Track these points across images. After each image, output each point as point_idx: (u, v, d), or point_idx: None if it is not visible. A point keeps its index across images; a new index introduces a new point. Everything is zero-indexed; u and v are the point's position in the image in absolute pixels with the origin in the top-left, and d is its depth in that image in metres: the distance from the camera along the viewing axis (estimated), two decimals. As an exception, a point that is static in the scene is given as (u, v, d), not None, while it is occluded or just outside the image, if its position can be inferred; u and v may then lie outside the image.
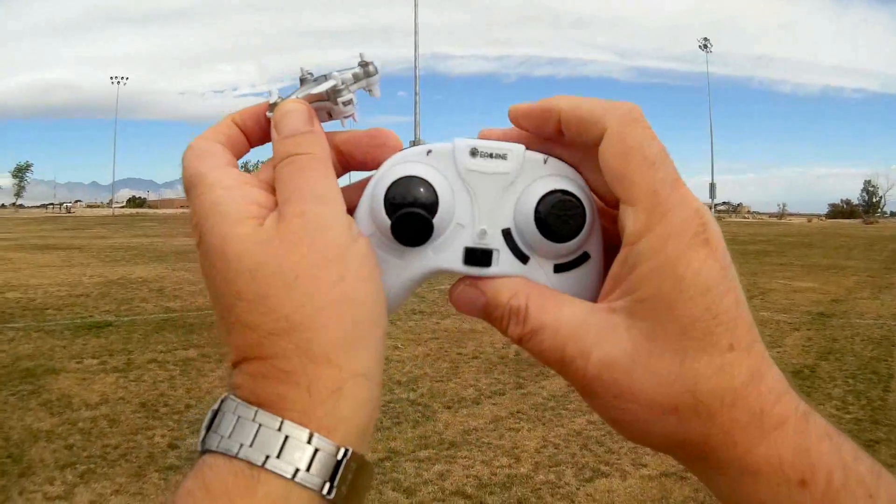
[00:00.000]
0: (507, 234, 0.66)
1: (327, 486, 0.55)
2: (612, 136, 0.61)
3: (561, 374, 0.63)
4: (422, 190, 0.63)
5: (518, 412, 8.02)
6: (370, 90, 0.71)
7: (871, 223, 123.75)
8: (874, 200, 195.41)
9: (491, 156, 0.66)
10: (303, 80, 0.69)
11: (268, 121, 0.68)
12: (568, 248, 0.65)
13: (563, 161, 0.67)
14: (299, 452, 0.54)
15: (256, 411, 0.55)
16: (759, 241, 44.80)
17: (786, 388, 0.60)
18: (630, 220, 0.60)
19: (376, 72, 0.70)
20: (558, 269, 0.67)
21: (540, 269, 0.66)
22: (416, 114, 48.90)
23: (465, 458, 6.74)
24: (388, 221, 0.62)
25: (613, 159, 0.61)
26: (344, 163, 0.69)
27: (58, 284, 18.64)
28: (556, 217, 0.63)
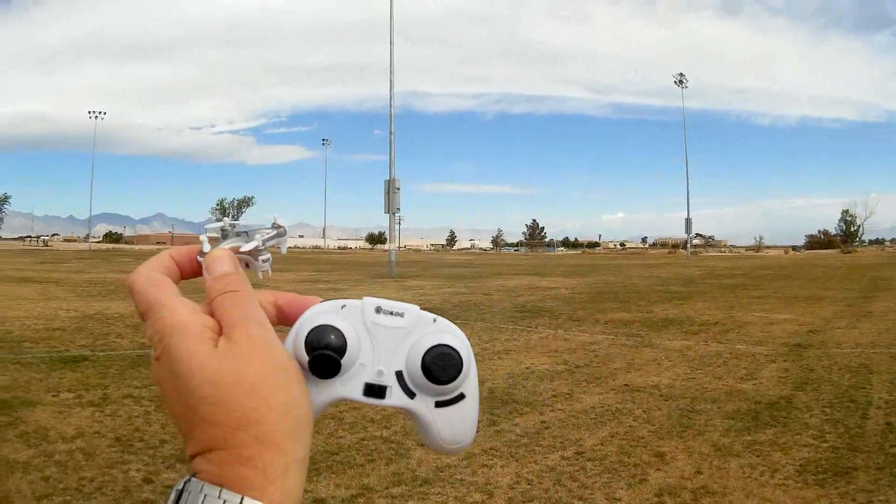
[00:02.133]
0: (399, 374, 0.80)
1: None
2: None
3: None
4: (333, 336, 0.77)
5: (491, 448, 8.02)
6: (278, 247, 0.89)
7: (850, 252, 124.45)
8: (852, 230, 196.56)
9: (392, 313, 0.81)
10: (224, 232, 0.85)
11: (198, 263, 0.81)
12: (447, 390, 0.79)
13: (449, 321, 0.83)
14: None
15: (221, 490, 0.66)
16: (735, 275, 45.31)
17: None
18: None
19: (286, 233, 0.89)
20: (438, 405, 0.81)
21: (423, 404, 0.80)
22: (391, 153, 48.84)
23: (438, 494, 6.75)
24: (307, 358, 0.76)
25: None
26: (280, 316, 0.82)
27: (35, 317, 18.74)
28: (438, 366, 0.78)
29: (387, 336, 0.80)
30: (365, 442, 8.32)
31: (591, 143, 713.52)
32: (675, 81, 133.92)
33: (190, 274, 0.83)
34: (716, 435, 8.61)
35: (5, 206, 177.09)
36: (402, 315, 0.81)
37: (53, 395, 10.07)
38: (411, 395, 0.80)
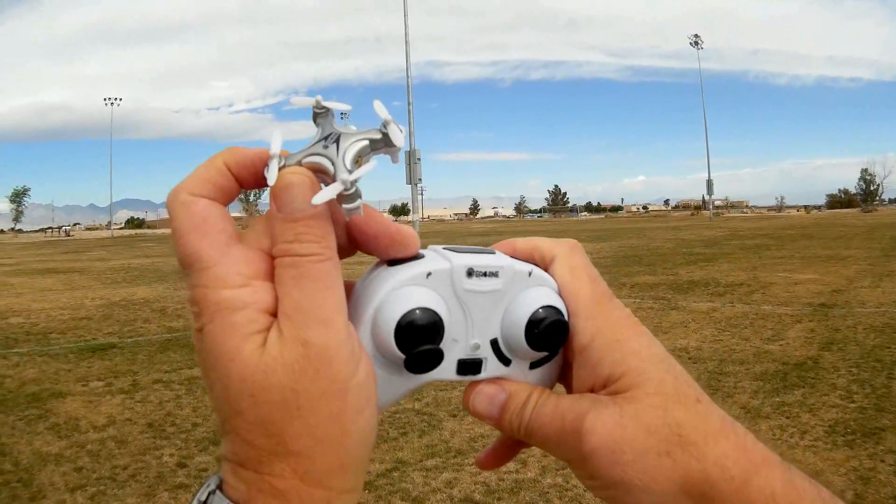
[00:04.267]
0: (494, 343, 0.71)
1: None
2: (562, 259, 0.74)
3: (559, 447, 0.69)
4: (432, 323, 0.64)
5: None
6: (391, 156, 0.66)
7: (870, 211, 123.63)
8: (871, 189, 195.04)
9: (485, 274, 0.69)
10: (316, 118, 0.65)
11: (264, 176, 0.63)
12: (544, 353, 0.72)
13: (543, 270, 0.73)
14: None
15: None
16: (758, 236, 44.82)
17: (755, 438, 0.67)
18: (579, 330, 0.71)
19: (399, 146, 0.64)
20: (533, 365, 0.74)
21: (519, 369, 0.73)
22: (409, 124, 48.51)
23: (472, 465, 6.73)
24: (400, 356, 0.63)
25: (564, 276, 0.73)
26: (353, 241, 0.68)
27: (60, 308, 18.68)
28: (547, 335, 0.69)
29: (481, 302, 0.70)
30: (397, 415, 8.31)
31: (610, 107, 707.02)
32: (690, 43, 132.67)
33: (253, 186, 0.65)
34: (745, 397, 8.60)
35: (25, 198, 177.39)
36: (496, 275, 0.70)
37: (83, 385, 10.07)
38: (507, 362, 0.72)
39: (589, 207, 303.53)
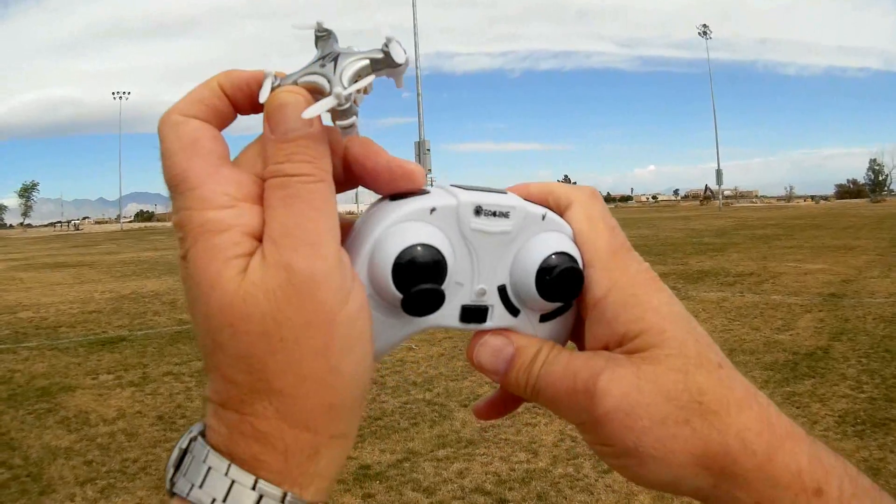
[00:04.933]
0: (502, 290, 0.67)
1: None
2: (579, 206, 0.69)
3: (569, 408, 0.65)
4: (433, 261, 0.60)
5: (534, 407, 7.93)
6: (394, 79, 0.62)
7: (879, 201, 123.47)
8: (880, 179, 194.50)
9: (495, 214, 0.65)
10: (317, 41, 0.61)
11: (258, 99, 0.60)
12: (556, 304, 0.68)
13: (557, 215, 0.69)
14: None
15: (230, 465, 0.54)
16: (767, 226, 44.72)
17: (779, 410, 0.63)
18: (594, 281, 0.66)
19: (402, 64, 0.60)
20: (543, 318, 0.69)
21: (528, 320, 0.68)
22: (419, 114, 48.54)
23: (483, 455, 6.75)
24: (398, 295, 0.59)
25: (580, 223, 0.68)
26: (351, 175, 0.64)
27: (69, 302, 18.67)
28: (560, 284, 0.65)
29: (489, 244, 0.65)
30: (408, 406, 8.34)
31: (620, 97, 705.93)
32: (699, 33, 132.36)
33: (250, 111, 0.62)
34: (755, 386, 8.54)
35: (34, 193, 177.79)
36: (506, 215, 0.65)
37: (92, 379, 10.09)
38: (515, 312, 0.68)
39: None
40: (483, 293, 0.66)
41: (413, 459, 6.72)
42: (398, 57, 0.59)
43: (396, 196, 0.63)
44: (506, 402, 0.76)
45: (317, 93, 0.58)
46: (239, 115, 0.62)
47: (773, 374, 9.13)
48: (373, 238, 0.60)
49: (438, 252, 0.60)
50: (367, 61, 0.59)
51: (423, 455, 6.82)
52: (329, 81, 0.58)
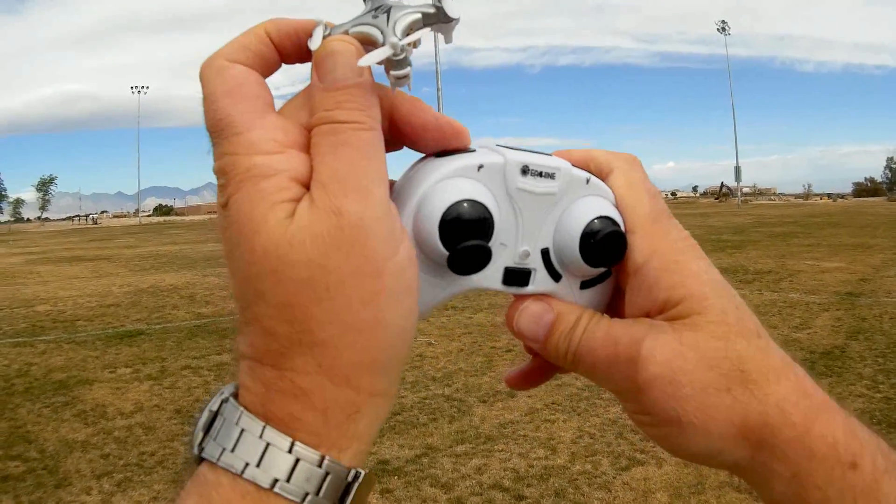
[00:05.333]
0: (545, 253, 0.66)
1: None
2: (620, 172, 0.68)
3: (610, 376, 0.64)
4: (481, 218, 0.59)
5: (553, 403, 8.02)
6: (445, 35, 0.61)
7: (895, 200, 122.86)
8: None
9: (540, 174, 0.64)
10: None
11: (307, 47, 0.58)
12: (598, 270, 0.67)
13: (600, 180, 0.68)
14: (310, 476, 0.52)
15: (265, 427, 0.52)
16: (785, 223, 44.57)
17: (815, 382, 0.62)
18: (635, 247, 0.65)
19: (455, 18, 0.59)
20: (584, 285, 0.68)
21: (569, 287, 0.67)
22: (439, 109, 48.53)
23: (501, 451, 6.76)
24: (444, 252, 0.58)
25: (621, 189, 0.67)
26: (398, 133, 0.62)
27: (87, 295, 18.74)
28: (603, 248, 0.64)
29: (533, 205, 0.64)
30: (427, 401, 8.37)
31: (639, 93, 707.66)
32: (717, 29, 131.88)
33: (295, 59, 0.61)
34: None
35: (52, 186, 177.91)
36: (552, 176, 0.64)
37: (110, 372, 10.13)
38: (557, 277, 0.67)
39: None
40: (527, 255, 0.65)
41: (431, 455, 6.74)
42: (452, 11, 0.58)
43: (442, 153, 0.63)
44: (539, 371, 0.75)
45: (368, 44, 0.57)
46: (284, 65, 0.61)
47: (790, 372, 9.04)
48: (419, 193, 0.59)
49: (486, 209, 0.60)
50: (420, 15, 0.58)
51: (441, 451, 6.84)
52: (382, 32, 0.56)
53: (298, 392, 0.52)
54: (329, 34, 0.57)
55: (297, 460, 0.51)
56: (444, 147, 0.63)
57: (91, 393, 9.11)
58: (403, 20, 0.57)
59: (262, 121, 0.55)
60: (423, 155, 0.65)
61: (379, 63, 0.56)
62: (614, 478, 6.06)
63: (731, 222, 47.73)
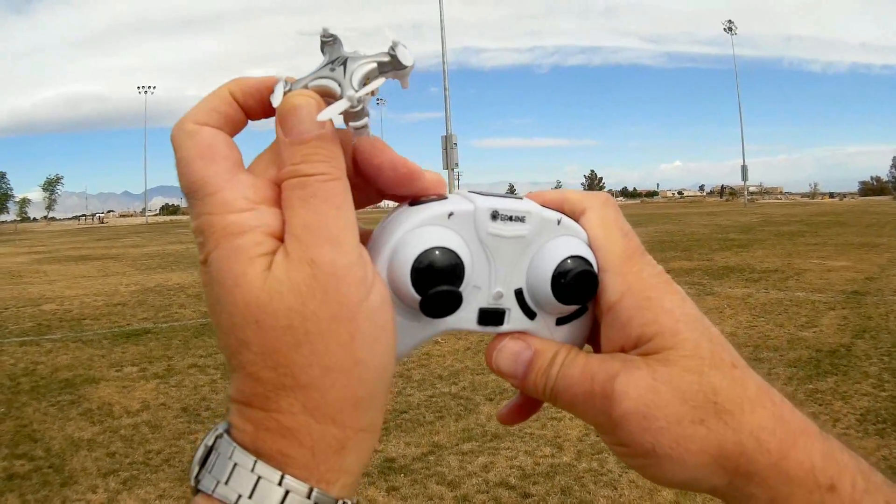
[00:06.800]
0: (518, 293, 0.68)
1: None
2: (593, 212, 0.70)
3: (587, 410, 0.66)
4: (451, 264, 0.61)
5: (558, 402, 8.01)
6: (400, 80, 0.64)
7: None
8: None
9: (511, 218, 0.66)
10: (323, 46, 0.62)
11: (270, 104, 0.61)
12: (572, 308, 0.69)
13: (571, 219, 0.70)
14: None
15: (256, 462, 0.54)
16: (792, 222, 44.59)
17: (793, 405, 0.64)
18: (608, 286, 0.67)
19: (408, 67, 0.62)
20: (560, 321, 0.70)
21: (544, 324, 0.70)
22: (446, 109, 48.58)
23: (508, 449, 6.77)
24: (416, 297, 0.60)
25: (595, 228, 0.69)
26: (361, 174, 0.64)
27: (94, 294, 18.76)
28: (575, 287, 0.66)
29: (505, 248, 0.66)
30: (433, 399, 8.40)
31: (647, 93, 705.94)
32: (724, 29, 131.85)
33: (260, 115, 0.63)
34: (779, 384, 8.49)
35: (58, 186, 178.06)
36: (522, 220, 0.66)
37: (116, 371, 10.14)
38: (532, 315, 0.68)
39: (625, 193, 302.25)
40: (500, 296, 0.67)
41: (438, 453, 6.75)
42: (405, 59, 0.61)
43: (415, 202, 0.65)
44: (528, 405, 0.77)
45: (328, 96, 0.60)
46: (249, 122, 0.64)
47: (796, 371, 9.10)
48: (392, 242, 0.62)
49: (456, 255, 0.62)
50: (375, 64, 0.60)
51: (448, 448, 6.85)
52: (340, 85, 0.59)
53: (285, 431, 0.55)
54: (290, 89, 0.60)
55: (287, 492, 0.54)
56: (402, 187, 0.65)
57: (97, 391, 9.12)
58: (360, 71, 0.60)
59: (234, 180, 0.58)
60: (398, 205, 0.67)
61: (338, 115, 0.58)
62: (620, 476, 6.05)
63: (738, 221, 47.78)
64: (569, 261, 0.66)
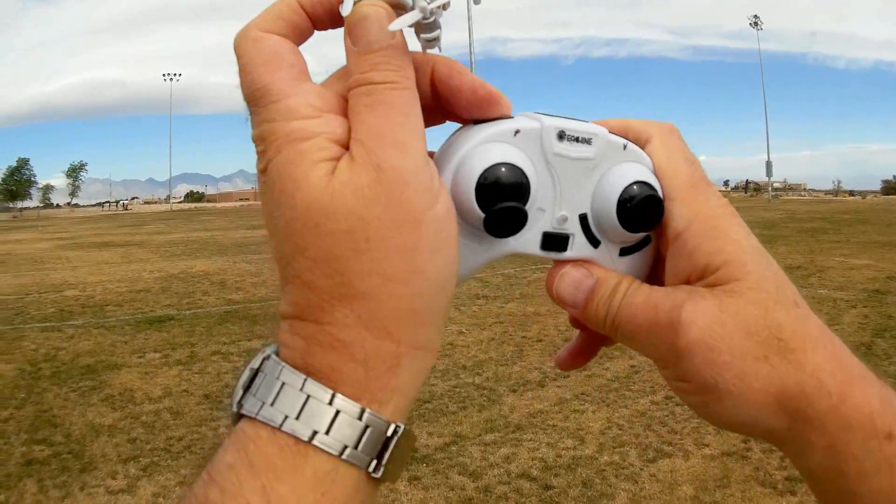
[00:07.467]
0: (583, 219, 0.66)
1: (374, 463, 0.54)
2: (658, 140, 0.69)
3: (650, 342, 0.64)
4: (517, 181, 0.60)
5: (582, 394, 8.07)
6: None
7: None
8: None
9: (577, 139, 0.64)
10: None
11: (339, 13, 0.58)
12: (639, 235, 0.67)
13: (638, 146, 0.68)
14: (349, 429, 0.52)
15: (305, 380, 0.52)
16: (815, 219, 44.45)
17: (851, 351, 0.63)
18: (675, 214, 0.65)
19: None
20: (623, 252, 0.68)
21: (608, 253, 0.68)
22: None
23: (530, 440, 6.79)
24: (480, 214, 0.59)
25: (660, 156, 0.68)
26: (437, 96, 0.63)
27: (117, 281, 18.85)
28: (640, 212, 0.64)
29: (571, 171, 0.64)
30: (457, 389, 8.42)
31: (671, 86, 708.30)
32: (750, 23, 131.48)
33: (329, 25, 0.61)
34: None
35: (82, 173, 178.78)
36: (589, 142, 0.65)
37: (139, 357, 10.20)
38: (595, 243, 0.67)
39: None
40: (564, 220, 0.65)
41: (460, 443, 6.78)
42: None
43: (480, 121, 0.63)
44: (587, 347, 0.75)
45: (399, 7, 0.57)
46: (316, 32, 0.61)
47: (818, 368, 9.01)
48: (457, 158, 0.60)
49: (521, 172, 0.60)
50: None
51: (470, 439, 6.87)
52: None
53: (338, 344, 0.52)
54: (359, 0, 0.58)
55: (338, 412, 0.52)
56: (478, 110, 0.63)
57: (119, 378, 9.17)
58: (427, 4, 0.57)
59: (299, 88, 0.56)
60: (461, 126, 0.65)
61: (409, 26, 0.57)
62: (641, 469, 6.07)
63: (761, 217, 47.64)
64: (634, 186, 0.64)
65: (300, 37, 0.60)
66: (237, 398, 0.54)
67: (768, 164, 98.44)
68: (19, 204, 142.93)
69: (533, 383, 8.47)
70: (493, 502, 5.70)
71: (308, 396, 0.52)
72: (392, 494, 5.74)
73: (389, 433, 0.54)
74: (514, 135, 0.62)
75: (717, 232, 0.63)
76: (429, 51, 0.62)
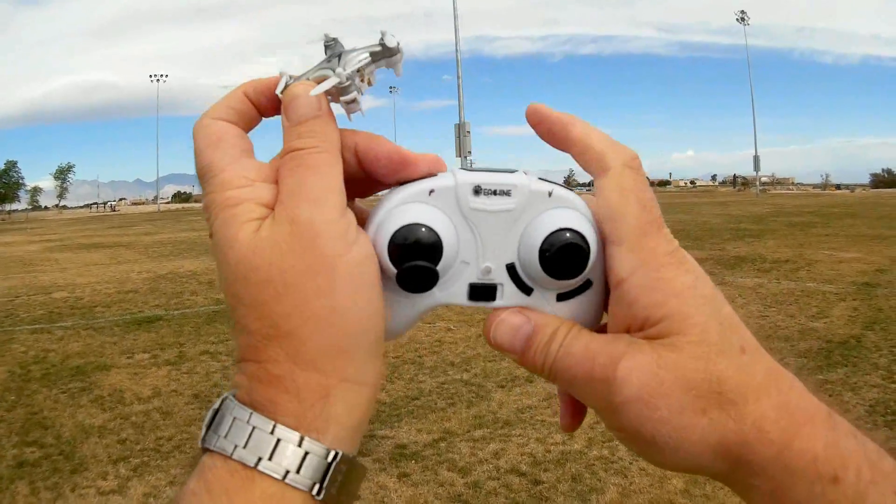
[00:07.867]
0: (511, 268, 0.68)
1: (317, 486, 0.58)
2: (613, 175, 0.67)
3: (587, 392, 0.66)
4: (425, 239, 0.63)
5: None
6: (393, 68, 0.69)
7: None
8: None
9: (495, 192, 0.66)
10: (326, 49, 0.68)
11: (279, 99, 0.67)
12: (571, 282, 0.67)
13: (567, 189, 0.69)
14: (290, 455, 0.57)
15: (251, 414, 0.58)
16: (804, 213, 44.37)
17: (805, 388, 0.64)
18: (618, 260, 0.65)
19: (398, 53, 0.68)
20: (561, 297, 0.69)
21: (543, 299, 0.69)
22: (459, 97, 48.58)
23: (519, 436, 6.80)
24: (393, 270, 0.63)
25: (611, 196, 0.66)
26: (363, 166, 0.68)
27: (105, 282, 18.74)
28: (561, 259, 0.65)
29: (492, 223, 0.66)
30: (445, 386, 8.43)
31: (660, 82, 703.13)
32: (737, 19, 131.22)
33: (273, 111, 0.70)
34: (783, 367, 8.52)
35: (70, 175, 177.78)
36: (508, 194, 0.66)
37: (128, 358, 10.17)
38: (527, 290, 0.68)
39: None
40: (489, 271, 0.67)
41: (449, 439, 6.78)
42: (390, 43, 0.67)
43: (402, 183, 0.67)
44: (574, 403, 0.75)
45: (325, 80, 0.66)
46: (263, 119, 0.72)
47: (806, 361, 9.09)
48: (377, 219, 0.65)
49: (432, 230, 0.63)
50: (367, 54, 0.67)
51: (459, 435, 6.88)
52: (333, 72, 0.66)
53: (273, 379, 0.59)
54: (292, 81, 0.67)
55: (279, 440, 0.58)
56: (397, 174, 0.68)
57: (108, 378, 9.15)
58: (353, 60, 0.66)
59: (236, 163, 0.65)
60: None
61: (329, 93, 0.65)
62: (631, 463, 6.07)
63: (749, 211, 47.58)
64: (556, 233, 0.65)
65: (248, 123, 0.70)
66: (202, 435, 0.60)
67: (756, 159, 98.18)
68: (7, 207, 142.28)
69: (521, 379, 8.45)
70: (482, 498, 5.70)
71: (254, 428, 0.58)
72: (382, 492, 5.75)
73: (329, 459, 0.59)
74: (429, 194, 0.66)
75: (661, 283, 0.63)
76: (351, 115, 0.68)
